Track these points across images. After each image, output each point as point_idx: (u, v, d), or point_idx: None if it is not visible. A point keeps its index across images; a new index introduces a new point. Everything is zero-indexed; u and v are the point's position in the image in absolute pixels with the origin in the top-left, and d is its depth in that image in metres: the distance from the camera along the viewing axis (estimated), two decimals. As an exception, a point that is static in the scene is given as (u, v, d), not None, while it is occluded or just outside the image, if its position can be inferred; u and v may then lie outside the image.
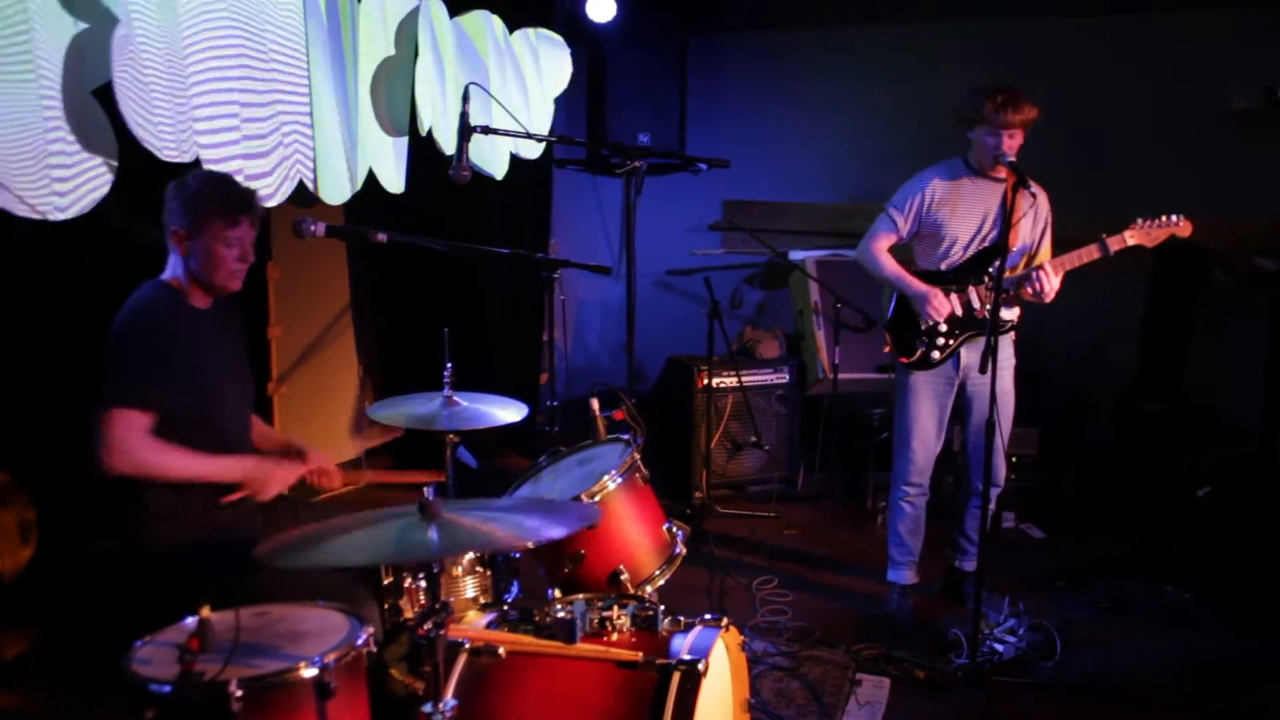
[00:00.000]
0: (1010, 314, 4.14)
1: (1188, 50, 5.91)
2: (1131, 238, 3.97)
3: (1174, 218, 3.96)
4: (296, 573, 2.66)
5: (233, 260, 2.94)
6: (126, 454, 2.73)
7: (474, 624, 2.75)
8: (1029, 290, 4.00)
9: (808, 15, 6.83)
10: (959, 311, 4.11)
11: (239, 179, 3.17)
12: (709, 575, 4.75)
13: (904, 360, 4.19)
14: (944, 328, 4.11)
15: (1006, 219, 3.74)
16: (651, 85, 6.45)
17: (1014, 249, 4.08)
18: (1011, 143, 3.92)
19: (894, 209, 4.17)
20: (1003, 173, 3.99)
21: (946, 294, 4.09)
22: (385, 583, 2.95)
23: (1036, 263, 4.06)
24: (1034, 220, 4.12)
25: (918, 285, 4.11)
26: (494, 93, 4.27)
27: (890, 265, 4.18)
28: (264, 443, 3.33)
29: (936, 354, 4.13)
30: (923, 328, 4.13)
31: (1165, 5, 5.93)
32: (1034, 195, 4.01)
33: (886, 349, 4.28)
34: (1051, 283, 3.96)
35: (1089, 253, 3.97)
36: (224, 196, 2.90)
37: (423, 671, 2.51)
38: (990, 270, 4.04)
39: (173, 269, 2.97)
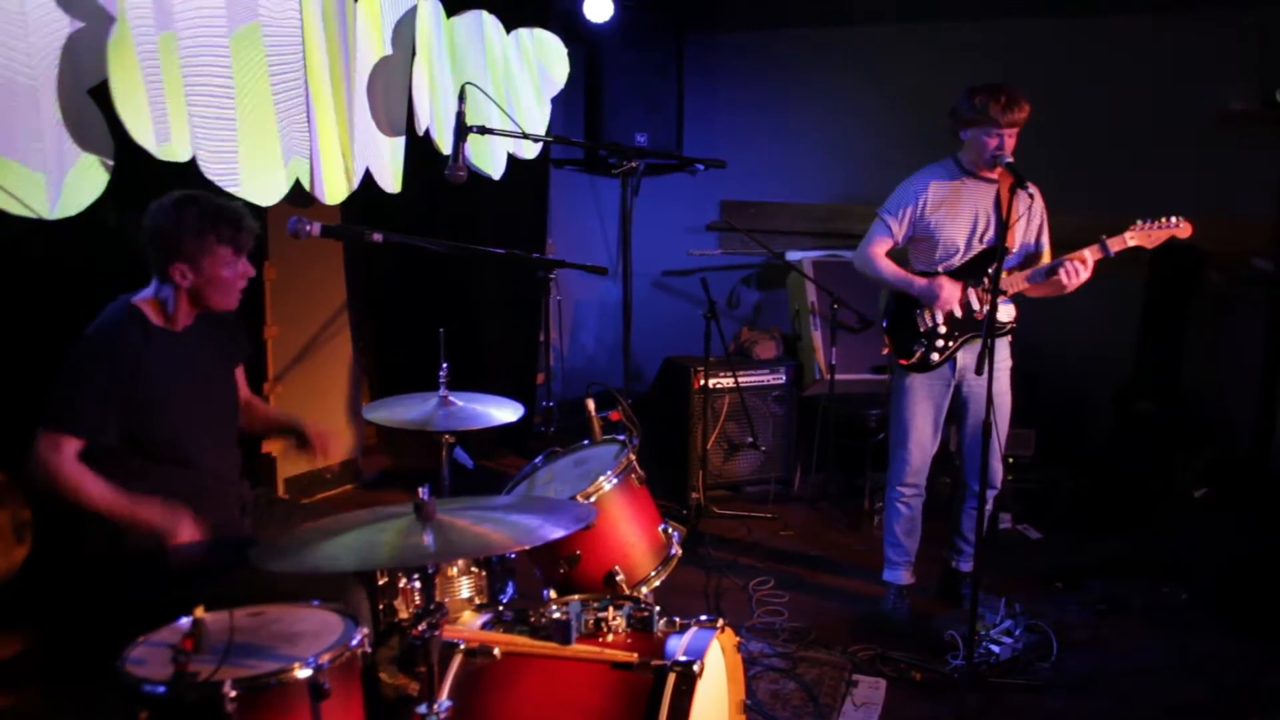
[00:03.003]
0: (1007, 316, 4.15)
1: (1185, 51, 5.91)
2: (1132, 239, 3.97)
3: (1174, 219, 3.96)
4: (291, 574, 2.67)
5: (238, 281, 2.97)
6: (51, 475, 2.74)
7: (469, 624, 2.74)
8: (1058, 278, 3.97)
9: (805, 15, 6.83)
10: (958, 313, 4.10)
11: (234, 180, 3.17)
12: (705, 576, 4.74)
13: (903, 362, 4.18)
14: (943, 329, 4.11)
15: (1002, 220, 3.73)
16: (648, 85, 6.45)
17: (1013, 250, 4.08)
18: (1009, 143, 3.92)
19: (888, 214, 4.15)
20: (996, 172, 3.99)
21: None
22: (380, 583, 2.95)
23: (1042, 263, 4.07)
24: (1029, 220, 4.12)
25: (921, 281, 4.10)
26: (491, 93, 4.26)
27: (890, 268, 4.16)
28: (266, 423, 3.36)
29: (935, 355, 4.13)
30: (922, 329, 4.12)
31: (1163, 7, 5.93)
32: (1031, 196, 4.00)
33: (885, 351, 4.28)
34: (1083, 273, 3.94)
35: (1091, 253, 3.97)
36: (223, 220, 2.89)
37: (417, 672, 2.50)
38: (989, 272, 4.04)
39: (155, 290, 2.95)
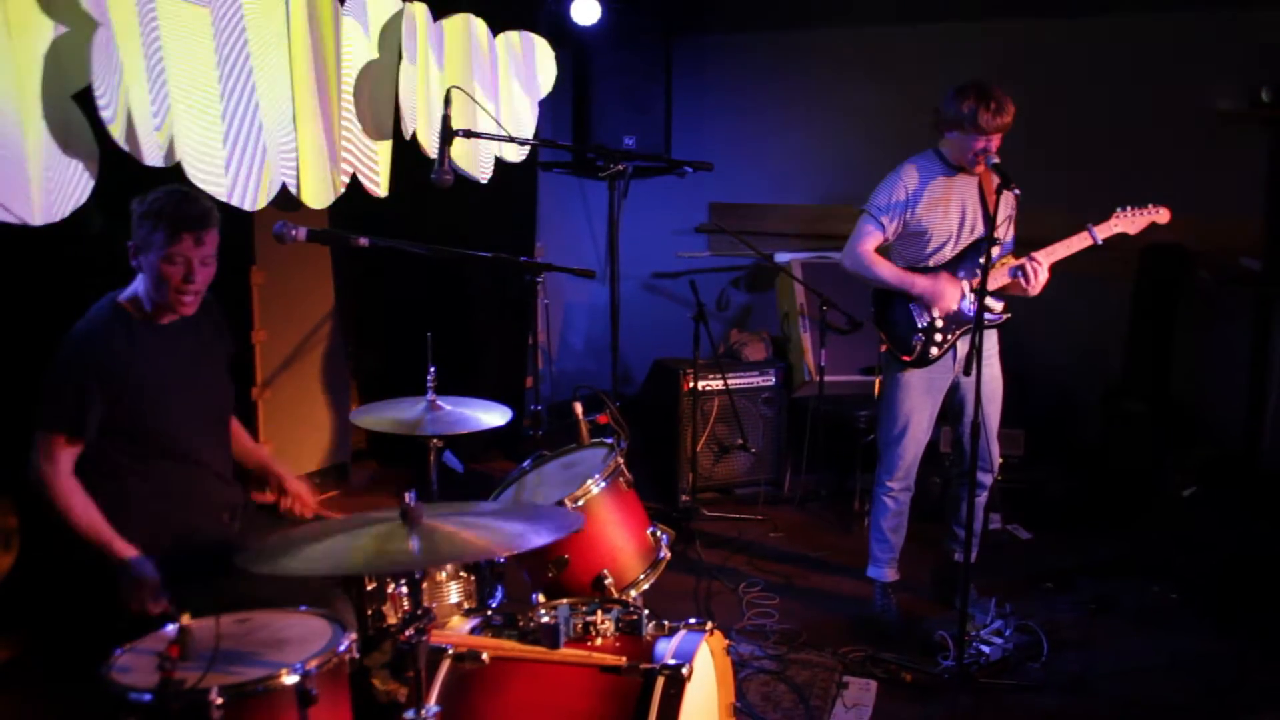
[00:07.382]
0: (998, 305, 4.15)
1: (1173, 51, 5.92)
2: (1117, 225, 4.04)
3: (1153, 207, 4.06)
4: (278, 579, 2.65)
5: (177, 279, 2.90)
6: (47, 480, 2.78)
7: (457, 629, 2.74)
8: (1019, 281, 4.00)
9: (792, 17, 6.83)
10: (953, 307, 4.09)
11: (219, 185, 3.15)
12: (695, 579, 4.74)
13: (906, 359, 4.13)
14: (940, 323, 4.09)
15: (988, 214, 3.76)
16: (636, 88, 6.45)
17: (1001, 245, 4.10)
18: (995, 145, 3.93)
19: (877, 210, 4.10)
20: (977, 166, 4.01)
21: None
22: (368, 589, 2.94)
23: (1011, 258, 4.09)
24: (1002, 212, 4.15)
25: (923, 281, 4.08)
26: (477, 96, 4.26)
27: (889, 269, 4.12)
28: (247, 460, 3.33)
29: (935, 350, 4.10)
30: (920, 325, 4.09)
31: (1151, 7, 5.94)
32: (1017, 196, 3.99)
33: (883, 348, 4.25)
34: (1042, 275, 3.98)
35: (1079, 240, 4.00)
36: (169, 212, 2.88)
37: (405, 677, 2.50)
38: (979, 263, 4.05)
39: (134, 286, 2.98)
